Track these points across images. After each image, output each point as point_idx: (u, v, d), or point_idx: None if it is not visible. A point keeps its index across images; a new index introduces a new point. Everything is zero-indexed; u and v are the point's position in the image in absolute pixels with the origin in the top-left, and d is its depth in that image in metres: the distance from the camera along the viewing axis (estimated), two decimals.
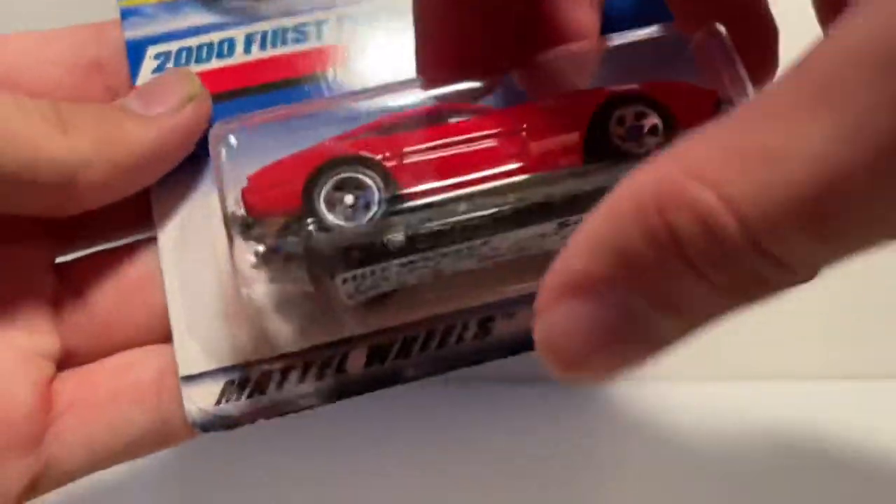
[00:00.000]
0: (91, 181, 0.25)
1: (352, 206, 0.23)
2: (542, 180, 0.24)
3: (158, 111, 0.26)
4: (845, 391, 0.41)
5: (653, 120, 0.24)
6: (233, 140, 0.24)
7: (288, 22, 0.30)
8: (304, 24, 0.30)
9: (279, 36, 0.30)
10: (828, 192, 0.15)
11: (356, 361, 0.27)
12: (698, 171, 0.16)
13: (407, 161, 0.24)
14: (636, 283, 0.17)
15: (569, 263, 0.17)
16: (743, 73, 0.24)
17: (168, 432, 0.27)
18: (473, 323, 0.27)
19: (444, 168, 0.24)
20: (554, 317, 0.18)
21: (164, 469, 0.38)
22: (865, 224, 0.15)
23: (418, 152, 0.24)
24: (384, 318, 0.27)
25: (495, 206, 0.24)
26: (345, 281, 0.24)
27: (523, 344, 0.28)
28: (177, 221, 0.28)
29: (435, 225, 0.23)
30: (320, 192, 0.23)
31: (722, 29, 0.24)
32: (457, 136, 0.24)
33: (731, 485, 0.41)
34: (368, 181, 0.23)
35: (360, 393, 0.27)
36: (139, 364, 0.27)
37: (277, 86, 0.30)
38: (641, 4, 0.28)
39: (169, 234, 0.28)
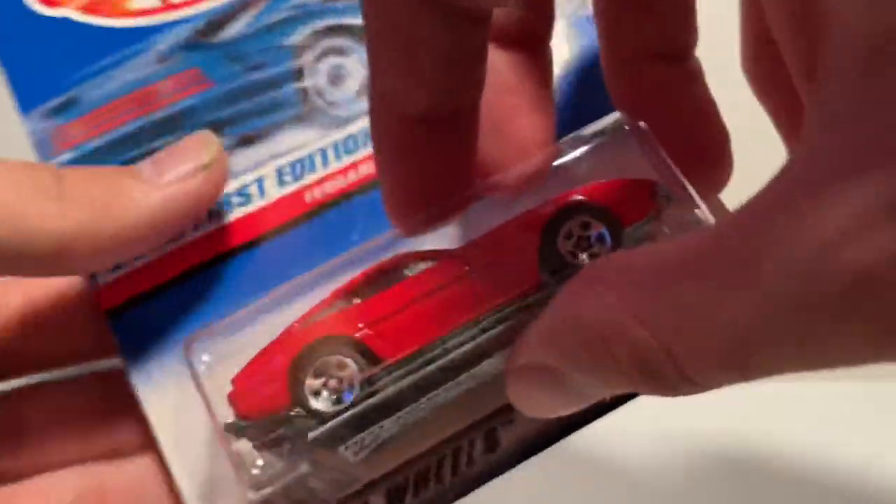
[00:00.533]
0: (83, 250, 0.25)
1: (336, 389, 0.24)
2: (507, 311, 0.25)
3: (169, 178, 0.27)
4: (845, 391, 0.41)
5: (598, 228, 0.25)
6: (206, 357, 0.25)
7: (230, 187, 0.31)
8: (244, 187, 0.31)
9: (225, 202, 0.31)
10: (745, 348, 0.17)
11: None
12: (641, 316, 0.18)
13: (378, 328, 0.24)
14: (576, 371, 0.21)
15: (525, 353, 0.22)
16: (668, 161, 0.25)
17: None
18: (479, 439, 0.28)
19: (416, 326, 0.24)
20: (519, 386, 0.23)
21: None
22: (777, 365, 0.17)
23: (387, 317, 0.24)
24: (392, 457, 0.28)
25: (470, 345, 0.24)
26: (347, 448, 0.25)
27: (531, 447, 0.29)
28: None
29: (417, 378, 0.24)
30: (304, 385, 0.24)
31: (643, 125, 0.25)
32: (421, 290, 0.25)
33: (731, 484, 0.41)
34: (347, 360, 0.24)
35: None
36: (60, 486, 0.28)
37: (236, 251, 0.30)
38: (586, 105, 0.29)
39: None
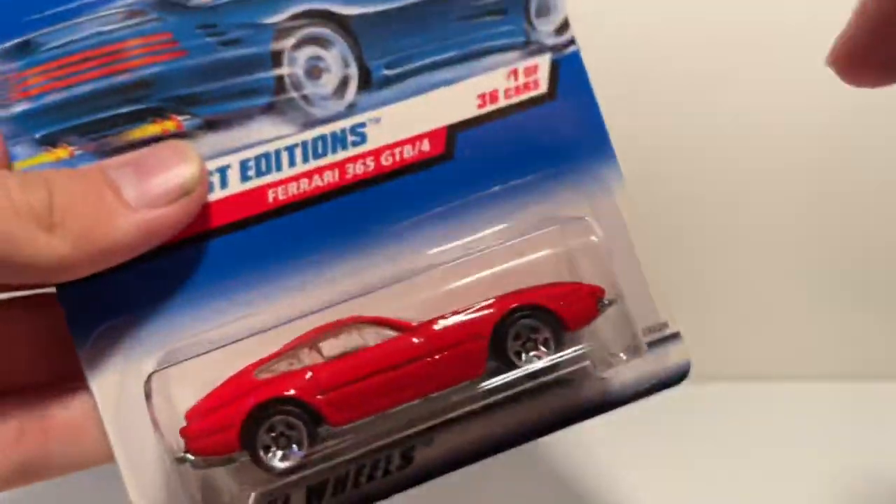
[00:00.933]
0: (63, 274, 0.27)
1: (286, 446, 0.26)
2: (450, 393, 0.27)
3: (150, 196, 0.28)
4: (845, 391, 0.43)
5: (544, 333, 0.27)
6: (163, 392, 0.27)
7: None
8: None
9: None
10: None
11: (297, 502, 0.31)
12: None
13: (332, 395, 0.26)
14: None
15: None
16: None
17: None
18: (396, 454, 0.31)
19: (367, 399, 0.26)
20: None
21: None
22: None
23: (341, 386, 0.26)
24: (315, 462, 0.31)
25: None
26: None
27: (444, 467, 0.32)
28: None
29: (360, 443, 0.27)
30: (256, 439, 0.26)
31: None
32: (376, 365, 0.27)
33: (731, 484, 0.43)
34: (298, 422, 0.26)
35: None
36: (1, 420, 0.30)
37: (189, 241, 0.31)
38: None
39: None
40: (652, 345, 0.32)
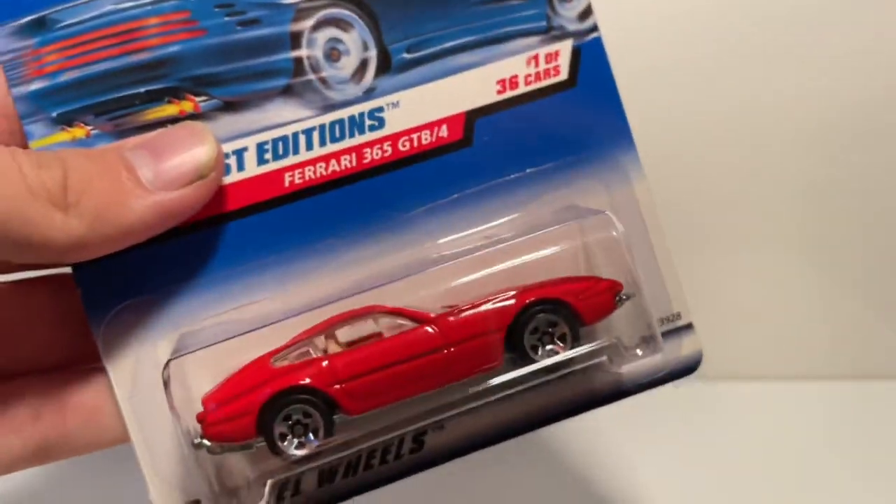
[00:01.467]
0: (79, 254, 0.27)
1: (302, 434, 0.27)
2: (465, 385, 0.27)
3: (166, 179, 0.27)
4: (845, 391, 0.42)
5: (562, 328, 0.27)
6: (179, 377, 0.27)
7: None
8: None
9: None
10: None
11: (309, 483, 0.31)
12: None
13: (348, 386, 0.26)
14: None
15: None
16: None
17: None
18: (408, 438, 0.32)
19: (383, 389, 0.27)
20: None
21: None
22: None
23: (358, 376, 0.27)
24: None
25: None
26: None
27: (454, 452, 0.32)
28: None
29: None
30: (272, 426, 0.26)
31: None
32: (393, 356, 0.27)
33: (731, 483, 0.43)
34: (314, 410, 0.26)
35: None
36: (18, 396, 0.30)
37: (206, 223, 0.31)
38: None
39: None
40: (665, 335, 0.32)
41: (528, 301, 0.27)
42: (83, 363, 0.31)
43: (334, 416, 0.27)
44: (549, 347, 0.28)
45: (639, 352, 0.29)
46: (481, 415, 0.31)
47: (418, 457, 0.31)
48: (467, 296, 0.28)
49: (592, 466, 0.42)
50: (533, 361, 0.27)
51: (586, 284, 0.28)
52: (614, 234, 0.28)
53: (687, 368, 0.32)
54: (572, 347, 0.27)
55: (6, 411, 0.30)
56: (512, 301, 0.27)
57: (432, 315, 0.28)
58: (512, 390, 0.28)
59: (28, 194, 0.25)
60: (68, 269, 0.30)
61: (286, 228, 0.31)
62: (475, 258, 0.29)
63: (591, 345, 0.28)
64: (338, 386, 0.27)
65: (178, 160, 0.28)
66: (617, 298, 0.28)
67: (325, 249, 0.31)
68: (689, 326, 0.32)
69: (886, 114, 0.50)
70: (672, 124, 0.51)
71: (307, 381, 0.26)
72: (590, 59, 0.32)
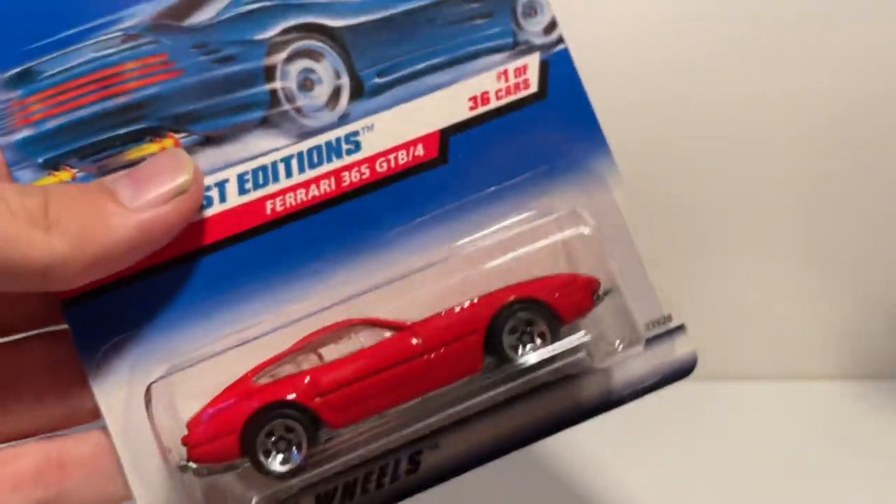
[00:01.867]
0: (64, 274, 0.27)
1: (286, 449, 0.27)
2: (447, 392, 0.27)
3: (146, 199, 0.28)
4: (845, 391, 0.42)
5: (541, 327, 0.27)
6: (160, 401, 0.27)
7: None
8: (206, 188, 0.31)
9: None
10: None
11: None
12: None
13: (330, 398, 0.27)
14: None
15: None
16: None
17: None
18: (404, 459, 0.31)
19: (365, 399, 0.27)
20: None
21: None
22: None
23: (338, 388, 0.27)
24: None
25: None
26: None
27: (451, 471, 0.32)
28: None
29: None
30: (256, 443, 0.26)
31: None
32: (373, 365, 0.27)
33: (728, 484, 0.42)
34: (296, 425, 0.26)
35: None
36: (20, 456, 0.30)
37: (189, 256, 0.31)
38: None
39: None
40: (657, 338, 0.31)
41: (504, 301, 0.27)
42: (81, 420, 0.31)
43: (320, 432, 0.27)
44: (528, 347, 0.27)
45: (619, 346, 0.29)
46: (477, 431, 0.31)
47: (415, 477, 0.31)
48: (445, 302, 0.28)
49: (586, 468, 0.42)
50: (513, 363, 0.27)
51: (562, 281, 0.28)
52: (586, 230, 0.28)
53: (681, 371, 0.32)
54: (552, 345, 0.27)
55: (5, 470, 0.30)
56: (487, 304, 0.27)
57: (408, 323, 0.28)
58: (499, 391, 0.28)
59: (9, 215, 0.26)
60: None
61: (271, 255, 0.31)
62: (452, 263, 0.29)
63: (569, 339, 0.28)
64: (319, 399, 0.27)
65: (157, 182, 0.28)
66: (595, 295, 0.28)
67: (309, 273, 0.31)
68: (680, 328, 0.32)
69: (884, 113, 0.50)
70: (667, 125, 0.51)
71: (289, 396, 0.27)
72: (558, 70, 0.32)
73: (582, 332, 0.28)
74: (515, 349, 0.27)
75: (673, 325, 0.32)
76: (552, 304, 0.27)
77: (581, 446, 0.39)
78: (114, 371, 0.30)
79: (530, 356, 0.27)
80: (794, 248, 0.50)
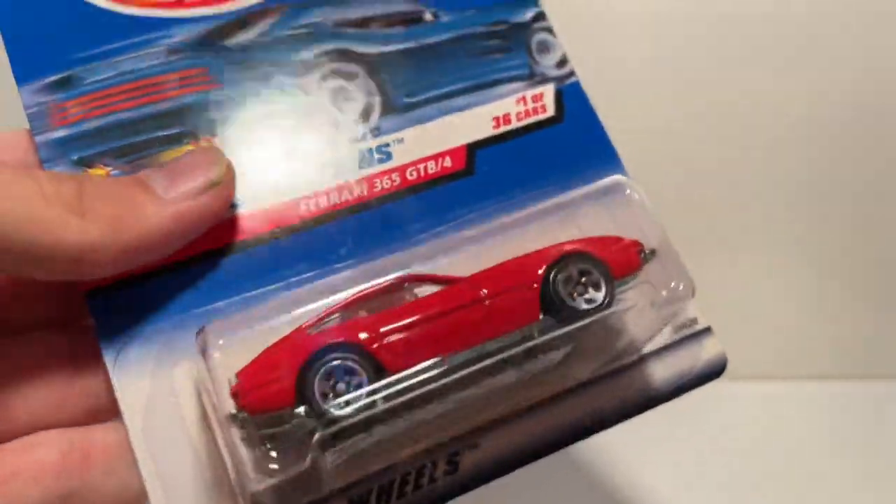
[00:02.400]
0: (97, 261, 0.26)
1: (343, 392, 0.25)
2: (506, 341, 0.26)
3: (180, 191, 0.28)
4: (845, 391, 0.42)
5: (595, 276, 0.27)
6: (216, 349, 0.26)
7: None
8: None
9: None
10: None
11: None
12: None
13: (387, 341, 0.26)
14: None
15: None
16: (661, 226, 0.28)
17: None
18: (442, 461, 0.30)
19: (423, 344, 0.26)
20: None
21: None
22: None
23: (396, 331, 0.26)
24: (358, 469, 0.29)
25: (467, 369, 0.26)
26: (335, 451, 0.26)
27: (491, 472, 0.30)
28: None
29: (416, 395, 0.26)
30: (313, 386, 0.25)
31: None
32: (431, 311, 0.26)
33: (731, 484, 0.42)
34: (356, 366, 0.25)
35: None
36: (45, 444, 0.28)
37: (221, 251, 0.31)
38: None
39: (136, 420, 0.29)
40: (685, 340, 0.32)
41: (559, 253, 0.28)
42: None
43: (381, 373, 0.26)
44: (585, 296, 0.27)
45: (668, 296, 0.29)
46: (516, 430, 0.30)
47: (453, 479, 0.30)
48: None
49: (595, 466, 0.41)
50: (571, 311, 0.27)
51: (611, 239, 0.29)
52: (635, 196, 0.29)
53: (713, 372, 0.32)
54: (606, 297, 0.27)
55: (27, 458, 0.28)
56: (543, 255, 0.28)
57: (466, 276, 0.28)
58: (550, 347, 0.27)
59: (43, 199, 0.26)
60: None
61: (302, 254, 0.31)
62: (492, 241, 0.29)
63: (627, 284, 0.28)
64: (377, 344, 0.26)
65: (191, 176, 0.29)
66: (642, 255, 0.29)
67: (338, 272, 0.31)
68: (707, 330, 0.33)
69: (890, 114, 0.52)
70: (678, 129, 0.52)
71: (347, 338, 0.26)
72: (572, 99, 0.35)
73: (637, 280, 0.28)
74: (571, 298, 0.27)
75: (699, 327, 0.32)
76: (604, 258, 0.28)
77: (587, 444, 0.37)
78: (136, 364, 0.29)
79: (585, 302, 0.27)
80: (794, 249, 0.51)
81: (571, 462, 0.40)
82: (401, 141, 0.33)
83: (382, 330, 0.26)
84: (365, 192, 0.32)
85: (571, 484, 0.41)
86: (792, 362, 0.46)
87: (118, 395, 0.28)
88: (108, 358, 0.29)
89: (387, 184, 0.33)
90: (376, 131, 0.33)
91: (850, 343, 0.46)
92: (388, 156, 0.33)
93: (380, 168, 0.33)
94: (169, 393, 0.29)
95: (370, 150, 0.33)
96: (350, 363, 0.25)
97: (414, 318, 0.26)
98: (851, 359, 0.46)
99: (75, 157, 0.31)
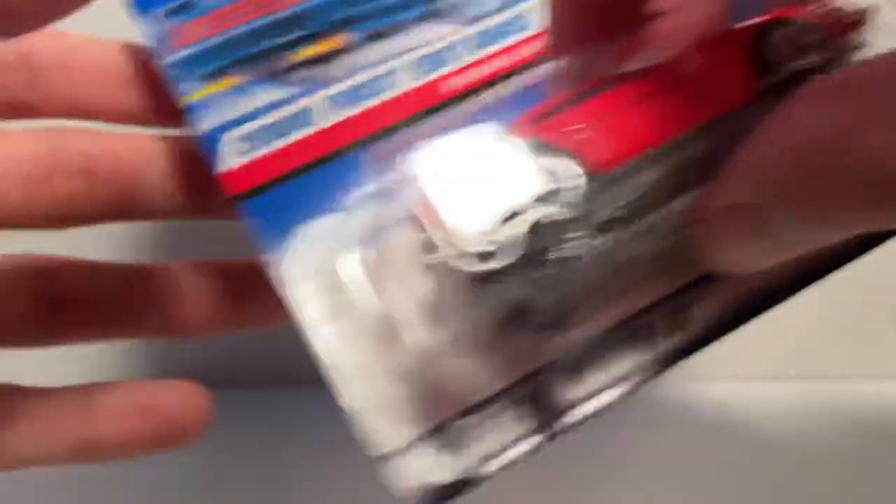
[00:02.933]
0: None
1: None
2: (722, 120, 0.23)
3: None
4: (845, 391, 0.40)
5: (811, 35, 0.24)
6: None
7: (362, 77, 0.29)
8: (376, 78, 0.30)
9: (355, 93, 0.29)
10: None
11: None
12: (879, 123, 0.17)
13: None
14: (785, 206, 0.20)
15: (721, 192, 0.21)
16: None
17: None
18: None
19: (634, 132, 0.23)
20: (712, 232, 0.22)
21: None
22: None
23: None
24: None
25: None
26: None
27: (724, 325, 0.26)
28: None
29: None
30: None
31: None
32: (629, 95, 0.23)
33: (731, 484, 0.40)
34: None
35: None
36: None
37: (368, 140, 0.29)
38: None
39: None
40: None
41: (767, 20, 0.24)
42: None
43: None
44: (805, 61, 0.24)
45: None
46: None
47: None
48: None
49: (586, 467, 0.39)
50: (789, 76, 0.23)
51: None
52: None
53: None
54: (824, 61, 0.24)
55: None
56: (747, 27, 0.24)
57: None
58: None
59: None
60: None
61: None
62: None
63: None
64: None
65: None
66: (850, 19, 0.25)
67: None
68: None
69: None
70: None
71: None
72: None
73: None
74: (786, 63, 0.24)
75: None
76: (814, 19, 0.24)
77: (578, 443, 0.35)
78: (304, 258, 0.27)
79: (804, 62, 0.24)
80: None
81: (571, 462, 0.38)
82: (535, 11, 0.31)
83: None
84: (507, 63, 0.30)
85: (571, 484, 0.39)
86: (792, 362, 0.43)
87: (287, 292, 0.26)
88: (273, 254, 0.26)
89: (527, 52, 0.30)
90: (507, 4, 0.31)
91: (849, 343, 0.43)
92: (525, 25, 0.31)
93: (521, 35, 0.31)
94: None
95: (507, 20, 0.31)
96: None
97: (616, 106, 0.23)
98: (851, 359, 0.43)
99: (200, 73, 0.29)
